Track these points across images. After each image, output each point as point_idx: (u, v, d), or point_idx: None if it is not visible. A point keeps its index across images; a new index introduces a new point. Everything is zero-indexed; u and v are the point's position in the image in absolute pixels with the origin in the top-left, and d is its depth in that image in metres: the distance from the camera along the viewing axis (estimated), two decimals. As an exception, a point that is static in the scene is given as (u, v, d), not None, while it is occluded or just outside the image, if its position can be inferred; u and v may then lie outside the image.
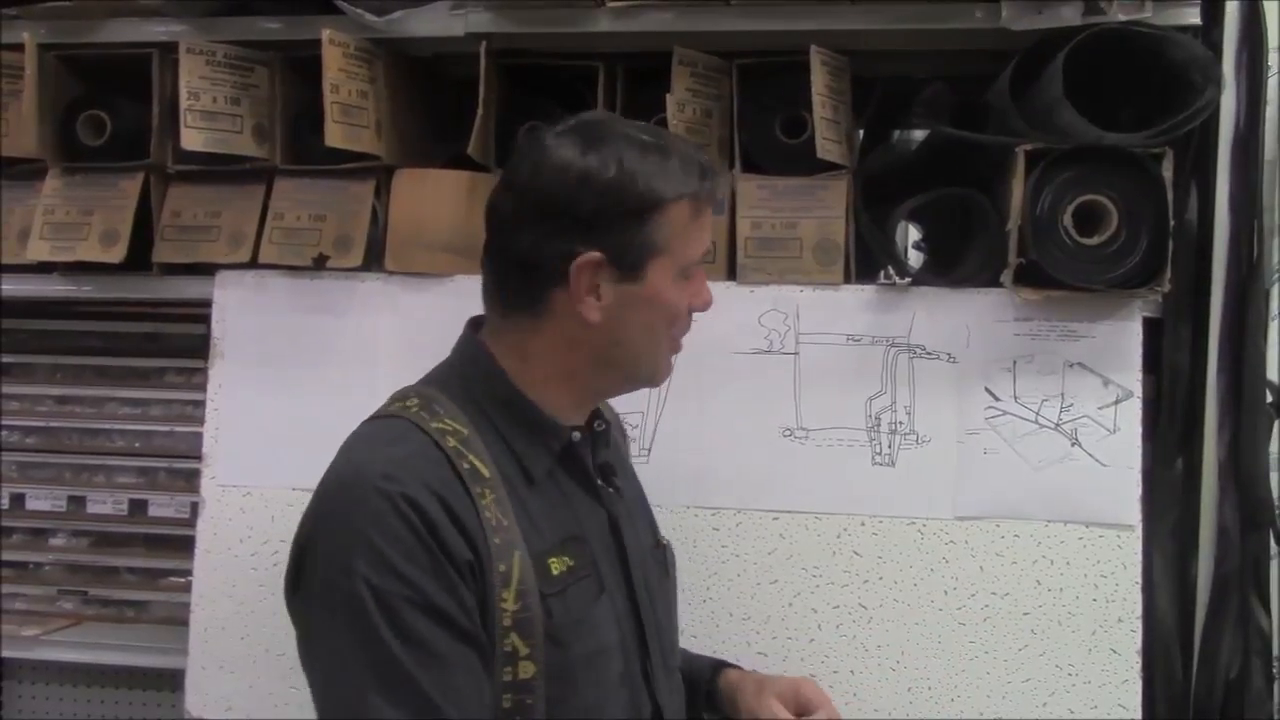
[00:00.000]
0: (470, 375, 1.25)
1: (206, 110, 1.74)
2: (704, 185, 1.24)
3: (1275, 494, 1.65)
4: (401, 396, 1.24)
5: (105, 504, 2.05)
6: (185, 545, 1.87)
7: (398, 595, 1.09)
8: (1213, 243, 1.68)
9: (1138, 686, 1.63)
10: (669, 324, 1.27)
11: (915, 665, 1.66)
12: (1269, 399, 1.67)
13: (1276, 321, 1.71)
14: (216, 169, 1.83)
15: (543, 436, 1.25)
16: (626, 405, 1.65)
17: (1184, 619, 1.70)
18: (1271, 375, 1.68)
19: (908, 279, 1.69)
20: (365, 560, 1.09)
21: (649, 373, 1.30)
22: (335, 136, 1.69)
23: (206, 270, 1.84)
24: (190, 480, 1.97)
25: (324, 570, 1.12)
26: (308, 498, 1.72)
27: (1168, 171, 1.60)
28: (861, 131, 1.87)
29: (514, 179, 1.23)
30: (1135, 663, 1.63)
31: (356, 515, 1.12)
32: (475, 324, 1.31)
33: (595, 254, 1.18)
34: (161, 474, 2.05)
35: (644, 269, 1.21)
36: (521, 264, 1.22)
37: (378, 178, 1.81)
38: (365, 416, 1.68)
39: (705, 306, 1.31)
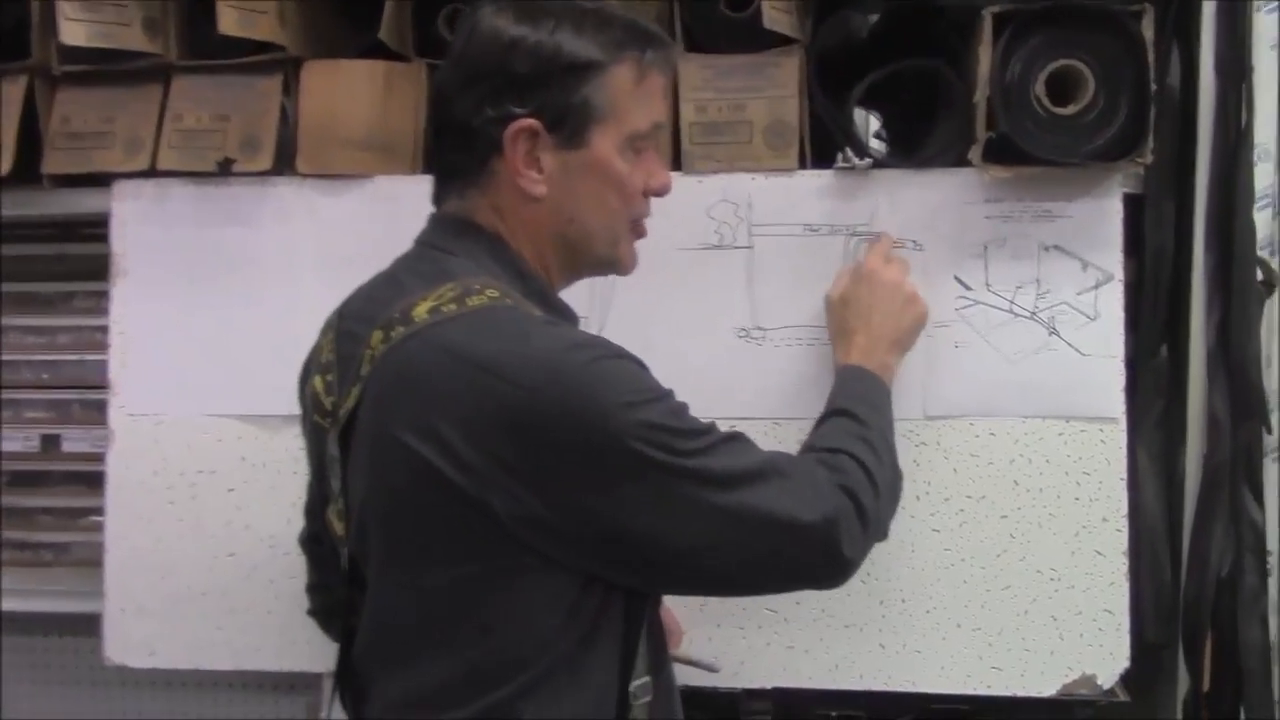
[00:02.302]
0: (492, 268, 1.16)
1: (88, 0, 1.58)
2: (648, 50, 1.18)
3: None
4: (469, 289, 1.10)
5: (15, 441, 1.91)
6: (103, 482, 1.74)
7: (658, 409, 1.07)
8: (1197, 109, 1.56)
9: (1125, 589, 1.53)
10: (622, 199, 1.20)
11: (887, 576, 1.56)
12: (1259, 277, 1.56)
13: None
14: (107, 68, 1.68)
15: (569, 321, 1.24)
16: (568, 310, 1.53)
17: (1172, 516, 1.61)
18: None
19: (868, 160, 1.56)
20: (614, 403, 1.04)
21: (608, 254, 1.24)
22: (229, 22, 1.54)
23: (104, 181, 1.69)
24: (105, 412, 1.82)
25: (589, 450, 1.04)
26: (225, 424, 1.67)
27: (1148, 31, 1.47)
28: (812, 11, 1.73)
29: (451, 52, 1.20)
30: (1121, 564, 1.53)
31: (579, 378, 1.04)
32: (442, 219, 1.22)
33: (530, 120, 1.13)
34: (74, 407, 1.91)
35: (585, 134, 1.16)
36: (461, 133, 1.16)
37: (285, 71, 1.66)
38: (284, 333, 1.58)
39: (663, 189, 1.25)
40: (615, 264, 1.26)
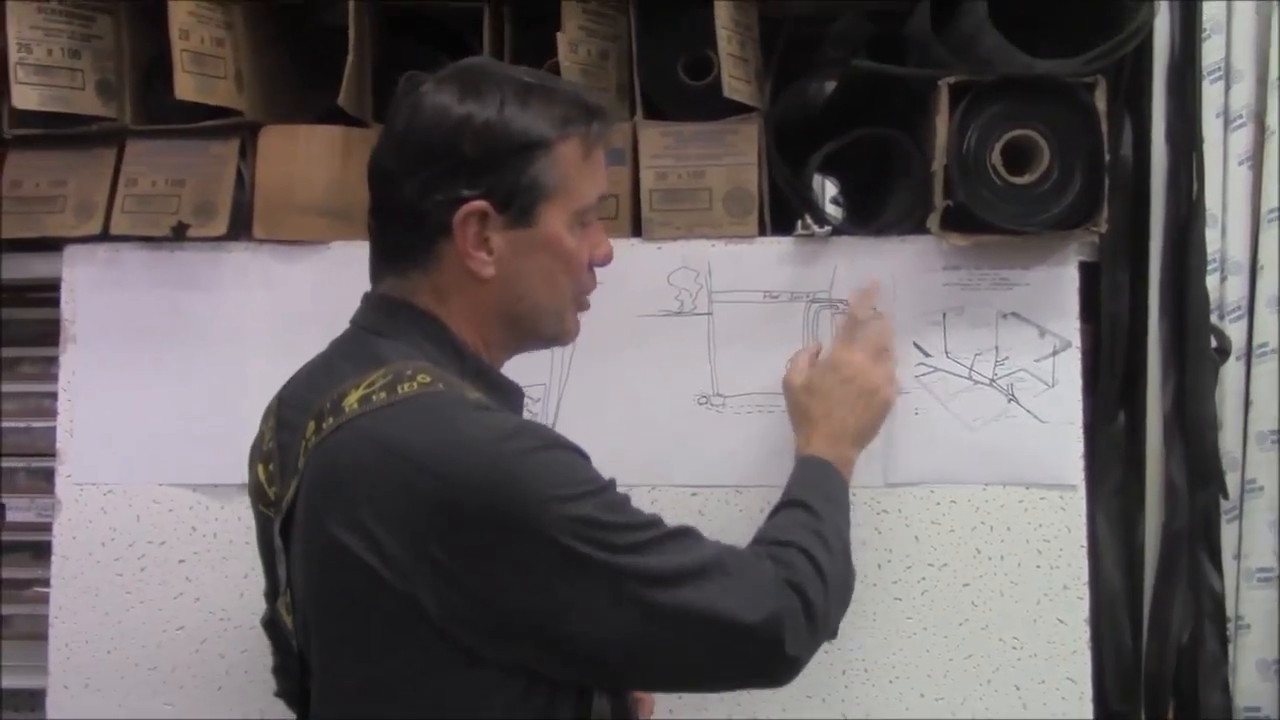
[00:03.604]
0: (428, 349, 1.13)
1: (41, 64, 1.56)
2: (594, 124, 1.16)
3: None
4: (400, 375, 1.06)
5: (-42, 510, 1.86)
6: (50, 552, 1.68)
7: (592, 503, 1.03)
8: (1150, 179, 1.58)
9: (1086, 657, 1.53)
10: (570, 274, 1.18)
11: (849, 645, 1.54)
12: (1213, 344, 1.57)
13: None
14: (60, 132, 1.64)
15: (511, 402, 1.21)
16: (528, 377, 1.50)
17: (1132, 583, 1.61)
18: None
19: (827, 228, 1.56)
20: (546, 496, 1.00)
21: (555, 328, 1.21)
22: (186, 88, 1.51)
23: (56, 245, 1.66)
24: (52, 480, 1.77)
25: (518, 547, 1.00)
26: (175, 494, 1.62)
27: (1101, 102, 1.48)
28: (770, 81, 1.74)
29: (391, 129, 1.15)
30: (1083, 632, 1.53)
31: (508, 471, 1.00)
32: (376, 300, 1.19)
33: (480, 203, 1.10)
34: (20, 475, 1.85)
35: (535, 213, 1.13)
36: (407, 215, 1.13)
37: (242, 136, 1.63)
38: (237, 401, 1.56)
39: (606, 260, 1.23)
40: (559, 338, 1.24)
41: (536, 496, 0.99)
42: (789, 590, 1.10)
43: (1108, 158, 1.49)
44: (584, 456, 1.07)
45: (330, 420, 1.06)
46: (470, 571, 0.99)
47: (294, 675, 1.19)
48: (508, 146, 1.10)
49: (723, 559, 1.08)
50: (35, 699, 1.78)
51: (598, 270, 1.24)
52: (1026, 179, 1.50)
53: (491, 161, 1.10)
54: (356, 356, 1.12)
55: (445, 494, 0.99)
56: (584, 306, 1.24)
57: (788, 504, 1.27)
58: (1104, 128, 1.48)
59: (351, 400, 1.06)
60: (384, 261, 1.18)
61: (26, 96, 1.56)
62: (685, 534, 1.09)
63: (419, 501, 0.99)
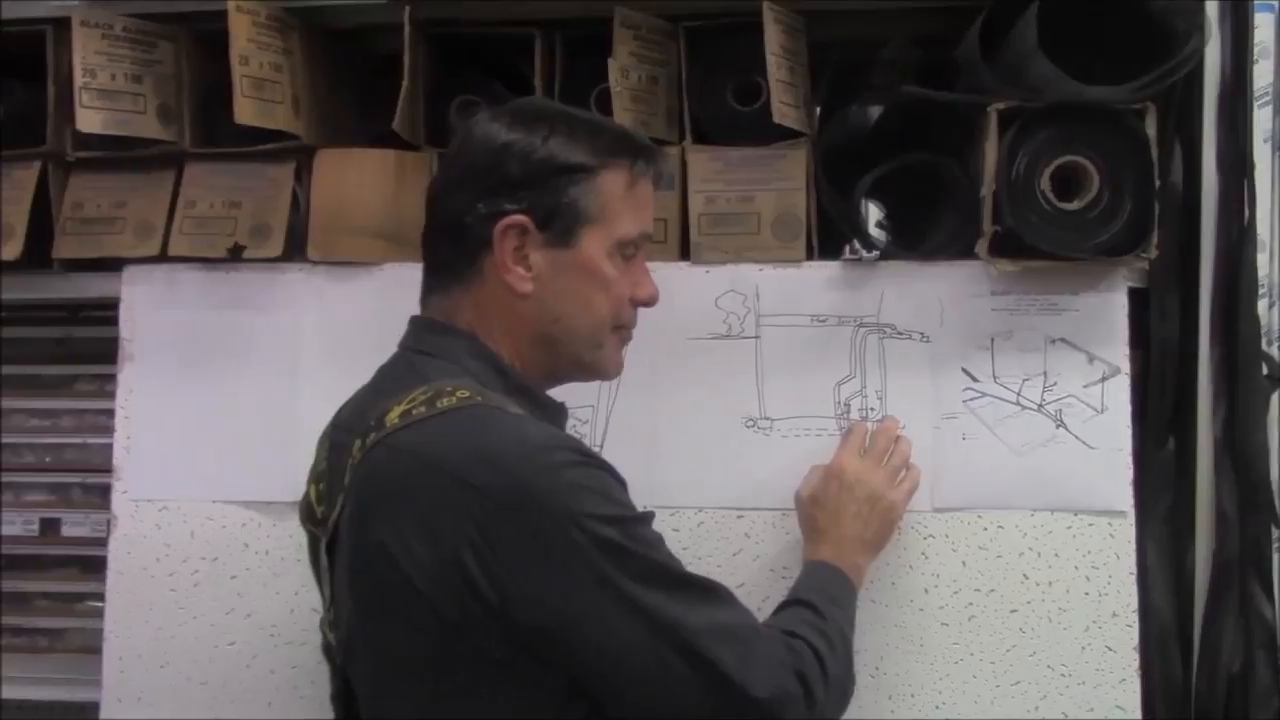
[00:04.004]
0: (471, 366, 1.16)
1: (104, 89, 1.60)
2: (640, 160, 1.20)
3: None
4: (440, 391, 1.09)
5: (14, 524, 1.88)
6: (103, 567, 1.71)
7: (627, 530, 1.05)
8: (1200, 205, 1.57)
9: (1136, 685, 1.51)
10: (609, 302, 1.20)
11: (895, 670, 1.54)
12: (1265, 371, 1.56)
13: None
14: (120, 155, 1.68)
15: (554, 419, 1.22)
16: (575, 399, 1.51)
17: (1182, 611, 1.59)
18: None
19: (875, 252, 1.57)
20: (575, 513, 1.02)
21: (591, 357, 1.23)
22: (245, 112, 1.54)
23: (114, 265, 1.69)
24: (106, 496, 1.80)
25: (548, 549, 1.02)
26: (228, 511, 1.65)
27: (1151, 129, 1.48)
28: (818, 106, 1.75)
29: (447, 156, 1.23)
30: (1132, 660, 1.51)
31: (540, 485, 1.02)
32: (421, 322, 1.23)
33: (520, 217, 1.14)
34: (75, 490, 1.89)
35: (574, 234, 1.17)
36: (450, 229, 1.18)
37: (298, 159, 1.66)
38: (290, 419, 1.58)
39: (649, 300, 1.25)
40: (597, 367, 1.25)
41: (567, 510, 1.01)
42: (795, 679, 1.10)
43: (1158, 183, 1.49)
44: (619, 481, 1.09)
45: (373, 436, 1.09)
46: (500, 584, 1.01)
47: (343, 700, 1.21)
48: (549, 167, 1.15)
49: (738, 628, 1.09)
50: (88, 712, 1.81)
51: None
52: (1076, 205, 1.50)
53: (533, 180, 1.14)
54: (401, 377, 1.15)
55: (478, 504, 1.01)
56: (626, 338, 1.26)
57: (792, 603, 1.26)
58: (1154, 153, 1.48)
59: (393, 416, 1.08)
60: (431, 280, 1.22)
61: (90, 120, 1.59)
62: (714, 594, 1.10)
63: (453, 511, 1.01)
